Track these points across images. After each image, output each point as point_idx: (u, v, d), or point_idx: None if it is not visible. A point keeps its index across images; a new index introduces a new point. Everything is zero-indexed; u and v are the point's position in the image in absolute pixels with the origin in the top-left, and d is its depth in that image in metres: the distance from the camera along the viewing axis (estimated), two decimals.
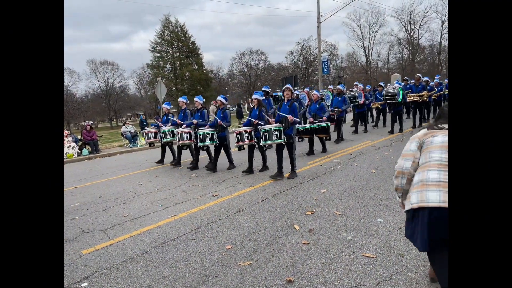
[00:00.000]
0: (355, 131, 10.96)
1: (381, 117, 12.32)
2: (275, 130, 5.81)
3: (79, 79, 46.59)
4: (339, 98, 9.60)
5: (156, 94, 15.12)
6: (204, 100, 8.38)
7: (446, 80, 15.30)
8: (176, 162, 8.12)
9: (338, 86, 9.95)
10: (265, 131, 5.86)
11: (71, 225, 4.50)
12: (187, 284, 2.75)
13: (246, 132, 6.50)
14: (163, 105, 8.91)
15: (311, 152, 8.01)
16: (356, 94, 10.63)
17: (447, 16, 48.00)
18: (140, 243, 3.68)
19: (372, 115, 14.17)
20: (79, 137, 13.00)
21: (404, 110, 12.63)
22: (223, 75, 53.94)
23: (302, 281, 2.62)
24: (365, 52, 49.93)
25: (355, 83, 12.55)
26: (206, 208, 4.67)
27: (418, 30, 49.13)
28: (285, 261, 2.96)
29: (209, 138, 6.99)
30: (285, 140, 5.81)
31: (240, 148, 7.58)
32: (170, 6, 63.67)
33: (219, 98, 7.29)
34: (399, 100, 9.81)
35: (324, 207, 4.28)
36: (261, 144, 6.16)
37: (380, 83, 12.29)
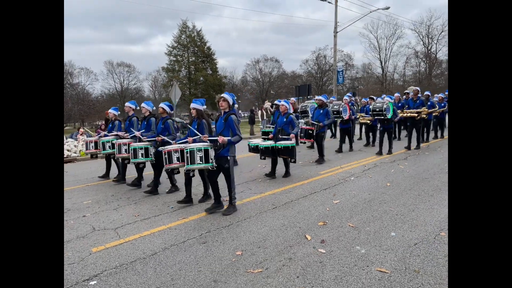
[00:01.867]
0: (339, 150, 9.67)
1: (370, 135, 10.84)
2: (199, 151, 4.47)
3: (95, 79, 47.63)
4: (321, 111, 8.20)
5: (171, 97, 15.30)
6: (172, 105, 6.89)
7: None
8: (121, 178, 6.96)
9: (320, 97, 8.48)
10: (187, 152, 4.54)
11: (82, 222, 4.53)
12: None
13: (176, 151, 4.99)
14: (110, 111, 7.53)
15: (272, 174, 6.70)
16: (341, 109, 9.41)
17: None
18: (150, 243, 3.66)
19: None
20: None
21: (397, 129, 11.74)
22: (236, 81, 54.33)
23: None
24: (381, 64, 49.49)
25: (345, 96, 10.84)
26: (216, 213, 4.63)
27: (436, 44, 48.53)
28: (297, 271, 2.89)
29: (142, 154, 5.90)
30: (214, 164, 4.51)
31: (173, 172, 5.46)
32: (190, 11, 64.82)
33: (161, 105, 6.02)
34: (389, 116, 8.44)
35: (337, 218, 4.20)
36: (184, 169, 4.74)
37: (372, 96, 11.25)
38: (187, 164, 4.56)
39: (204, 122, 4.92)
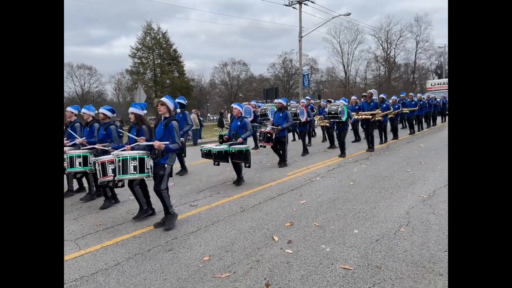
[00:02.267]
0: (305, 151, 9.59)
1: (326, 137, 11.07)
2: (133, 159, 4.06)
3: None
4: (281, 114, 8.04)
5: (135, 100, 14.82)
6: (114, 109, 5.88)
7: (421, 95, 15.41)
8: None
9: (279, 100, 8.35)
10: (119, 161, 4.10)
11: None
12: None
13: (111, 162, 4.37)
14: (68, 108, 6.23)
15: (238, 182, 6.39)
16: (298, 111, 9.36)
17: (421, 37, 50.54)
18: (113, 253, 3.51)
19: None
20: None
21: (353, 131, 11.88)
22: (204, 84, 53.89)
23: None
24: (344, 68, 51.49)
25: (302, 99, 11.09)
26: (183, 218, 4.54)
27: (394, 48, 51.37)
28: (264, 273, 2.91)
29: (80, 163, 5.33)
30: (150, 175, 4.15)
31: (108, 185, 4.89)
32: (154, 13, 63.34)
33: (101, 110, 5.41)
34: (343, 119, 8.55)
35: (303, 218, 4.28)
36: (115, 178, 4.27)
37: (330, 99, 11.36)
38: (118, 173, 4.11)
39: (144, 128, 4.48)
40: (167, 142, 4.10)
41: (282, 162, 7.99)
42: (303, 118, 9.42)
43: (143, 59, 38.19)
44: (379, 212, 4.35)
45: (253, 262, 3.13)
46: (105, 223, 4.52)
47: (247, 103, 12.98)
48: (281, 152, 8.04)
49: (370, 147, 9.58)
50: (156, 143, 4.03)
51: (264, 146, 8.39)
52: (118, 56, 69.60)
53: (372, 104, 9.69)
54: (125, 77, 45.25)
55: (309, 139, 11.71)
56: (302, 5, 23.27)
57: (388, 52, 51.45)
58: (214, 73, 52.94)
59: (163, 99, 4.37)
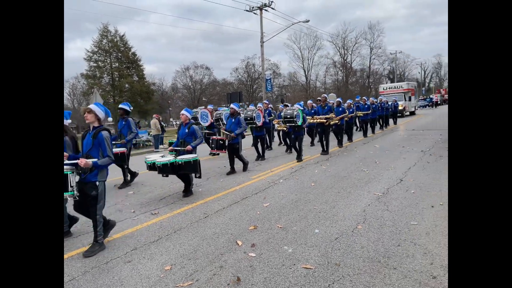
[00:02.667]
0: (260, 156, 9.43)
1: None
2: None
3: None
4: (233, 120, 7.69)
5: None
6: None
7: (373, 99, 15.90)
8: None
9: (232, 105, 8.04)
10: None
11: None
12: None
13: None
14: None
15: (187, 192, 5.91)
16: (254, 114, 9.02)
17: (374, 43, 53.56)
18: (68, 268, 3.30)
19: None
20: None
21: (309, 134, 11.98)
22: (166, 88, 52.65)
23: None
24: (305, 72, 53.07)
25: (259, 104, 10.60)
26: (143, 228, 4.39)
27: (351, 54, 53.98)
28: (227, 279, 2.90)
29: None
30: (75, 193, 3.52)
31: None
32: (111, 15, 60.81)
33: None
34: (299, 123, 8.46)
35: (266, 221, 4.33)
36: None
37: (286, 103, 11.67)
38: None
39: (67, 140, 3.96)
40: (95, 159, 3.58)
41: (244, 167, 7.92)
42: (259, 123, 9.18)
43: (99, 63, 36.39)
44: (338, 211, 4.53)
45: (216, 268, 3.11)
46: None
47: (203, 107, 12.51)
48: (239, 159, 7.78)
49: (324, 150, 9.69)
50: (82, 161, 3.44)
51: (218, 154, 7.94)
52: (73, 59, 65.88)
53: (326, 108, 9.89)
54: (80, 82, 42.91)
55: (269, 144, 11.75)
56: (263, 11, 23.67)
57: (345, 58, 53.97)
58: (176, 77, 52.04)
59: (91, 106, 3.82)
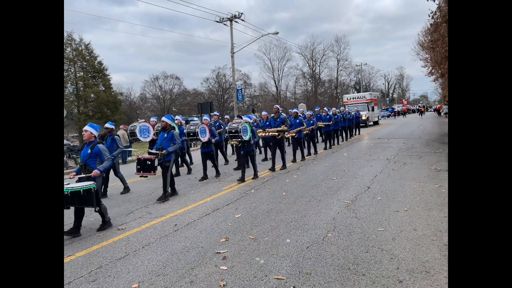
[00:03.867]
0: (204, 177, 8.21)
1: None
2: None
3: None
4: (165, 135, 6.40)
5: None
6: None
7: (335, 109, 14.79)
8: None
9: (163, 118, 6.65)
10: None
11: None
12: None
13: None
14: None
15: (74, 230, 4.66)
16: (197, 129, 7.85)
17: (341, 55, 55.75)
18: None
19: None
20: None
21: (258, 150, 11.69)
22: (134, 98, 51.30)
23: None
24: (275, 83, 54.04)
25: (205, 116, 9.26)
26: (109, 244, 4.19)
27: (319, 66, 55.83)
28: None
29: None
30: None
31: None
32: (76, 23, 58.63)
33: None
34: (246, 138, 7.45)
35: (238, 232, 4.29)
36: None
37: (240, 114, 10.57)
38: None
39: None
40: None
41: (163, 195, 6.28)
42: (204, 138, 7.96)
43: None
44: (309, 220, 4.58)
45: (187, 284, 3.02)
46: None
47: (143, 120, 10.10)
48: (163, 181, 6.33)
49: (274, 166, 8.80)
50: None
51: (146, 176, 6.65)
52: None
53: (278, 120, 8.99)
54: None
55: (224, 158, 10.84)
56: (233, 22, 23.93)
57: (313, 69, 55.68)
58: (145, 87, 50.89)
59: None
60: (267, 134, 9.05)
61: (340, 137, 15.18)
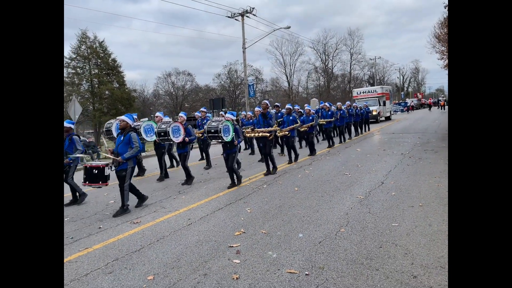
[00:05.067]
0: (187, 181, 7.36)
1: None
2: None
3: None
4: (122, 138, 5.42)
5: (69, 113, 13.70)
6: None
7: (340, 104, 13.55)
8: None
9: (122, 117, 5.62)
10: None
11: None
12: None
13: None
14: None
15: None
16: (168, 129, 6.85)
17: (354, 49, 54.89)
18: None
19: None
20: None
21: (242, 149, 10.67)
22: (147, 95, 51.96)
23: None
24: (287, 78, 53.63)
25: (181, 113, 7.96)
26: (125, 237, 4.29)
27: (332, 60, 55.08)
28: (211, 286, 2.86)
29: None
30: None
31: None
32: (90, 21, 59.71)
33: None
34: (227, 139, 6.40)
35: (251, 227, 4.32)
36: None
37: (224, 110, 8.90)
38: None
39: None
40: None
41: (120, 210, 5.38)
42: (177, 139, 6.98)
43: (78, 69, 35.57)
44: (321, 215, 4.57)
45: (200, 276, 3.06)
46: None
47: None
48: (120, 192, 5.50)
49: (273, 168, 7.87)
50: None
51: (100, 187, 6.03)
52: None
53: (268, 117, 7.92)
54: None
55: (207, 161, 9.51)
56: (245, 17, 23.86)
57: (326, 64, 54.97)
58: (158, 84, 51.44)
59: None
60: (256, 134, 7.76)
61: (346, 134, 13.95)
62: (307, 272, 2.98)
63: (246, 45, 24.51)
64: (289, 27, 24.56)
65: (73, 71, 35.42)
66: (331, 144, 12.11)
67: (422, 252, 3.22)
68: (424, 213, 4.33)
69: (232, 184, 6.74)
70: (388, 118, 27.81)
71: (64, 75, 35.28)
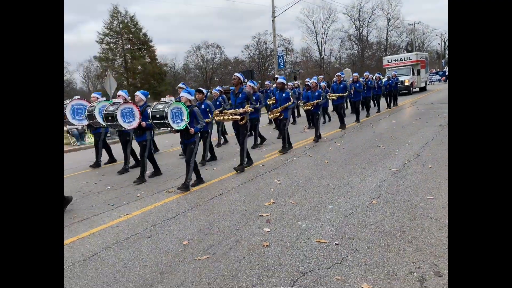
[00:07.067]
0: (155, 172, 6.35)
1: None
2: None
3: None
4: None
5: (106, 88, 14.24)
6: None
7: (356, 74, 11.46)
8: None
9: (95, 94, 6.37)
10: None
11: None
12: (142, 283, 2.65)
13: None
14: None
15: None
16: (116, 112, 5.48)
17: (392, 14, 51.18)
18: (90, 244, 3.47)
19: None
20: None
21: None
22: (178, 69, 52.55)
23: (259, 270, 2.66)
24: (319, 48, 51.58)
25: (137, 93, 6.17)
26: (161, 205, 4.53)
27: (367, 27, 51.87)
28: (243, 252, 2.98)
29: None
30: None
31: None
32: None
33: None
34: (180, 127, 5.05)
35: (280, 197, 4.37)
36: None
37: (200, 88, 6.98)
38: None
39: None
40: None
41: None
42: (129, 125, 5.60)
43: (111, 45, 36.48)
44: (352, 187, 4.51)
45: (232, 243, 3.19)
46: (80, 215, 4.43)
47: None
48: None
49: (244, 162, 6.16)
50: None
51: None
52: (87, 42, 66.13)
53: (241, 95, 6.14)
54: (93, 64, 43.33)
55: (209, 150, 7.16)
56: None
57: (360, 31, 51.91)
58: (188, 57, 51.68)
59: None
60: (226, 117, 6.18)
61: (363, 110, 12.42)
62: (336, 242, 3.00)
63: (276, 13, 23.66)
64: None
65: (107, 46, 36.40)
66: (344, 122, 10.12)
67: None
68: None
69: (184, 186, 5.10)
70: (423, 89, 24.73)
71: (99, 51, 36.43)
